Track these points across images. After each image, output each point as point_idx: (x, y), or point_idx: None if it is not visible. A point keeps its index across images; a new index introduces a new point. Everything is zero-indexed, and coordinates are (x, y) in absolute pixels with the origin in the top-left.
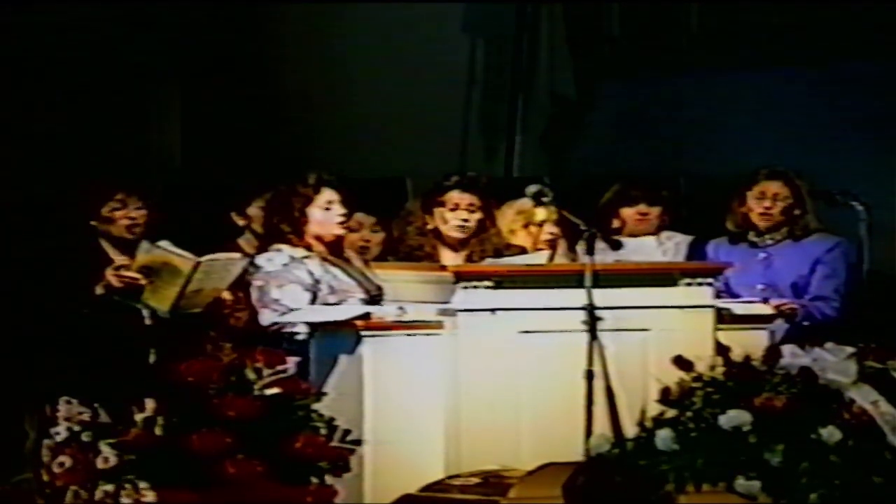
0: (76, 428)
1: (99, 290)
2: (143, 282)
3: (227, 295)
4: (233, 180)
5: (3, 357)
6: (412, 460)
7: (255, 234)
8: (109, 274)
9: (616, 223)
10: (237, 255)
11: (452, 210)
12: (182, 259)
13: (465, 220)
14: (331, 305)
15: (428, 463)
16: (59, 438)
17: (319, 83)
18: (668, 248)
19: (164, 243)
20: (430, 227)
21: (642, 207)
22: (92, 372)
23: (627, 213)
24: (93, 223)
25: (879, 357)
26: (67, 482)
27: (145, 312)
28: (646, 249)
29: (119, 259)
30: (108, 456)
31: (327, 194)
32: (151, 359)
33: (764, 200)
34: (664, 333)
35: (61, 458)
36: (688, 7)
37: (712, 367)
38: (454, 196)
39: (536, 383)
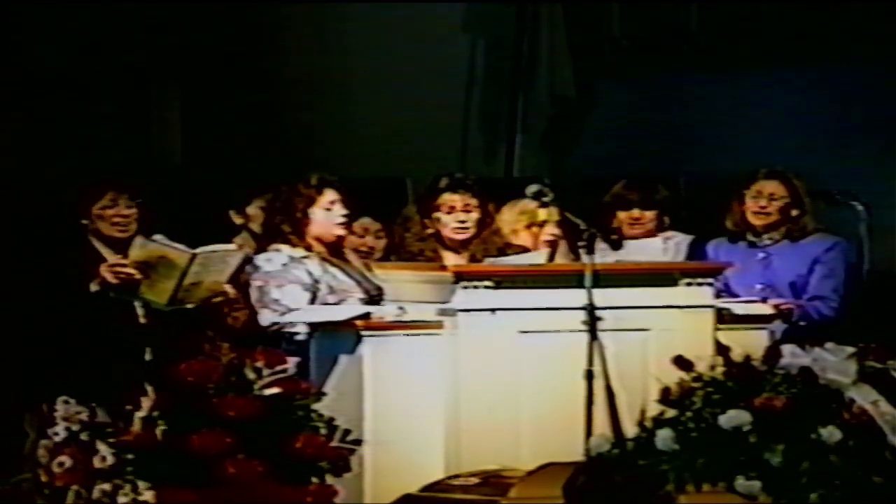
0: (75, 428)
1: (94, 287)
2: (138, 276)
3: (228, 288)
4: (233, 180)
5: (2, 357)
6: (412, 460)
7: (252, 233)
8: (104, 270)
9: (615, 223)
10: (234, 246)
11: (449, 213)
12: (178, 252)
13: (463, 222)
14: (330, 305)
15: (428, 463)
16: (57, 439)
17: (319, 83)
18: (668, 247)
19: (158, 237)
20: (429, 231)
21: (635, 212)
22: (89, 371)
23: (622, 216)
24: (83, 221)
25: (879, 357)
26: (67, 482)
27: (140, 311)
28: (650, 251)
29: (112, 258)
30: (106, 455)
31: (329, 195)
32: (147, 357)
33: (760, 199)
34: (664, 333)
35: (61, 458)
36: (688, 7)
37: (712, 367)
38: (448, 198)
39: (536, 383)
